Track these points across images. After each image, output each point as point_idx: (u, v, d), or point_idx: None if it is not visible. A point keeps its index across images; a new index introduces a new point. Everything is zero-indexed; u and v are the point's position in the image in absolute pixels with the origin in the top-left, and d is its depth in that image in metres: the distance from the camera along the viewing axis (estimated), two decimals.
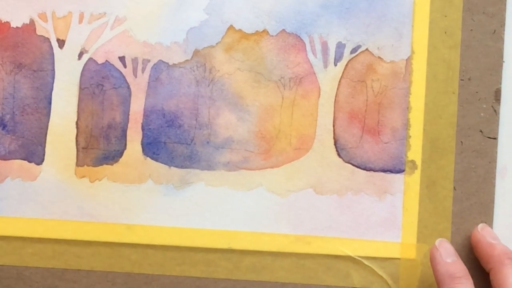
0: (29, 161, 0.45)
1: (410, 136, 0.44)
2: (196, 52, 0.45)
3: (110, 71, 0.45)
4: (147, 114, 0.45)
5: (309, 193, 0.44)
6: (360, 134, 0.44)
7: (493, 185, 0.44)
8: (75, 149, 0.45)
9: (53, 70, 0.45)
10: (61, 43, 0.45)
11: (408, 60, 0.44)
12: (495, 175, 0.44)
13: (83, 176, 0.45)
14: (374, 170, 0.44)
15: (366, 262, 0.44)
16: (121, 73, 0.45)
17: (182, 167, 0.44)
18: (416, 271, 0.44)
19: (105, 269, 0.45)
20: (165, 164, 0.44)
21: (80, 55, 0.45)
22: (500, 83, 0.44)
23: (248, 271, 0.45)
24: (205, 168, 0.44)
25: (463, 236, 0.44)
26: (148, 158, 0.45)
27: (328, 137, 0.44)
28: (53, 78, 0.45)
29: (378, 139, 0.44)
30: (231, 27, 0.44)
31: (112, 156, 0.45)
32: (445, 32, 0.44)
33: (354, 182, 0.44)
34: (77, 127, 0.45)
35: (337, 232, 0.44)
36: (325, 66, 0.44)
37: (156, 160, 0.45)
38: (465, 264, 0.41)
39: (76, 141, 0.45)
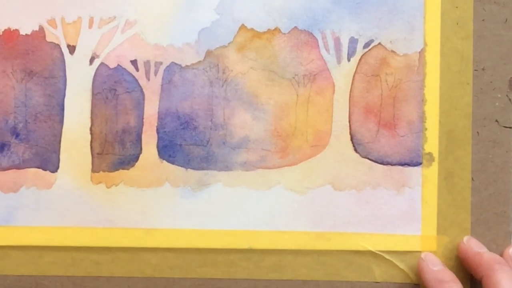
0: (44, 169, 0.44)
1: (426, 129, 0.44)
2: (208, 53, 0.44)
3: (123, 75, 0.44)
4: (161, 117, 0.44)
5: (327, 189, 0.44)
6: (376, 129, 0.44)
7: (511, 174, 0.44)
8: (90, 155, 0.44)
9: (65, 76, 0.44)
10: (71, 49, 0.44)
11: (421, 53, 0.44)
12: None
13: (99, 182, 0.44)
14: (392, 164, 0.44)
15: (387, 256, 0.44)
16: (133, 76, 0.44)
17: (198, 169, 0.44)
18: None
19: (125, 274, 0.44)
20: (181, 166, 0.44)
21: (91, 60, 0.44)
22: None
23: (269, 270, 0.44)
24: (222, 169, 0.44)
25: (483, 226, 0.44)
26: (164, 161, 0.44)
27: (344, 133, 0.44)
28: (65, 84, 0.44)
29: (394, 133, 0.44)
30: (242, 26, 0.44)
31: (128, 160, 0.44)
32: (457, 23, 0.44)
33: (372, 177, 0.44)
34: (91, 133, 0.44)
35: (357, 227, 0.44)
36: (339, 61, 0.44)
37: (173, 163, 0.44)
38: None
39: (91, 147, 0.44)
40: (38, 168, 0.44)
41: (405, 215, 0.44)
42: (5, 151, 0.44)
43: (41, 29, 0.44)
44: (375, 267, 0.44)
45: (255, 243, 0.44)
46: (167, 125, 0.44)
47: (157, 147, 0.44)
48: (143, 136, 0.44)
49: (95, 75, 0.44)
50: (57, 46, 0.44)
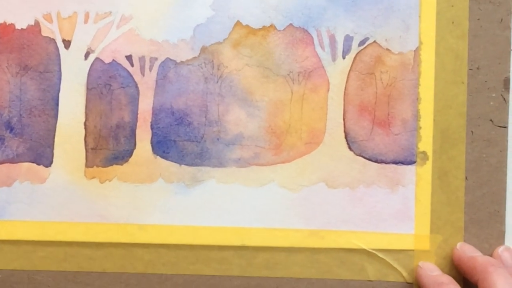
0: (38, 164, 0.44)
1: (420, 127, 0.44)
2: (203, 49, 0.44)
3: (117, 71, 0.44)
4: (156, 112, 0.44)
5: (321, 187, 0.44)
6: (370, 127, 0.44)
7: (505, 174, 0.44)
8: (84, 150, 0.44)
9: (60, 71, 0.44)
10: (67, 43, 0.44)
11: (416, 51, 0.44)
12: (506, 164, 0.44)
13: (93, 177, 0.44)
14: (386, 162, 0.44)
15: (380, 254, 0.44)
16: (128, 72, 0.44)
17: (192, 165, 0.44)
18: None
19: (118, 270, 0.44)
20: (175, 162, 0.44)
21: (86, 55, 0.44)
22: (509, 72, 0.44)
23: (262, 268, 0.44)
24: (216, 165, 0.44)
25: (476, 226, 0.44)
26: (158, 157, 0.44)
27: (338, 131, 0.44)
28: (60, 79, 0.44)
29: (388, 131, 0.44)
30: (238, 23, 0.44)
31: (122, 156, 0.44)
32: (453, 22, 0.44)
33: (366, 175, 0.44)
34: (85, 128, 0.44)
35: (350, 225, 0.44)
36: (334, 59, 0.44)
37: (166, 158, 0.44)
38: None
39: (85, 142, 0.44)
40: (32, 162, 0.44)
41: (398, 214, 0.44)
42: None
43: (37, 23, 0.44)
44: (368, 265, 0.44)
45: (248, 240, 0.44)
46: (161, 120, 0.44)
47: (151, 142, 0.44)
48: (137, 131, 0.44)
49: (90, 70, 0.44)
50: (53, 40, 0.44)
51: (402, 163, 0.44)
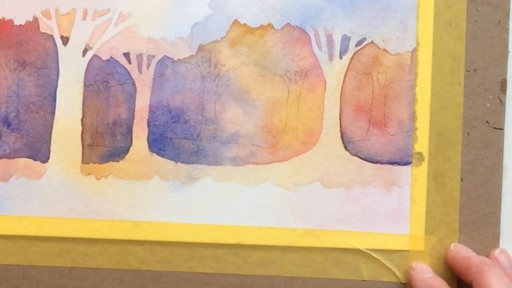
0: (35, 159, 0.44)
1: (416, 128, 0.44)
2: (201, 47, 0.44)
3: (115, 68, 0.44)
4: (152, 110, 0.44)
5: (316, 186, 0.44)
6: (366, 127, 0.44)
7: (501, 176, 0.44)
8: (81, 147, 0.44)
9: (57, 67, 0.44)
10: (65, 40, 0.45)
11: (414, 52, 0.44)
12: (502, 166, 0.44)
13: (89, 174, 0.44)
14: (381, 163, 0.44)
15: (374, 254, 0.44)
16: (126, 69, 0.44)
17: (188, 162, 0.44)
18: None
19: (112, 266, 0.44)
20: (171, 160, 0.44)
21: (84, 52, 0.45)
22: (506, 74, 0.44)
23: (256, 266, 0.44)
24: (212, 164, 0.44)
25: (471, 227, 0.44)
26: (154, 154, 0.44)
27: (334, 130, 0.44)
28: (58, 75, 0.45)
29: (384, 132, 0.44)
30: (235, 22, 0.44)
31: (118, 153, 0.44)
32: (450, 23, 0.44)
33: (361, 175, 0.44)
34: (82, 124, 0.44)
35: (345, 225, 0.44)
36: (331, 59, 0.44)
37: (163, 156, 0.44)
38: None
39: (82, 138, 0.44)
40: (29, 158, 0.45)
41: (393, 214, 0.44)
42: None
43: (35, 19, 0.45)
44: (363, 265, 0.44)
45: (243, 238, 0.44)
46: (158, 118, 0.44)
47: (148, 140, 0.44)
48: (133, 128, 0.44)
49: (87, 66, 0.45)
50: (51, 37, 0.45)
51: (398, 163, 0.44)
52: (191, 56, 0.44)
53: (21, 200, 0.44)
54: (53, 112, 0.44)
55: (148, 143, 0.44)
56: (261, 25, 0.44)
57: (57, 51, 0.45)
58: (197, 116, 0.44)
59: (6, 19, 0.45)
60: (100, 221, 0.44)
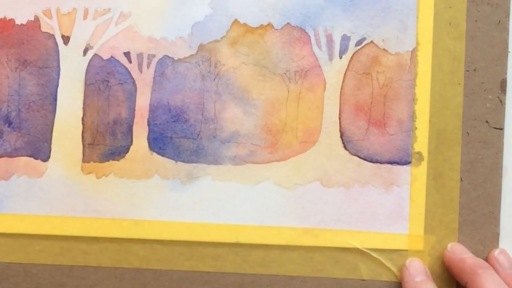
0: (35, 158, 0.45)
1: (416, 128, 0.44)
2: (201, 47, 0.44)
3: (116, 67, 0.45)
4: (153, 109, 0.45)
5: (316, 186, 0.44)
6: (366, 127, 0.44)
7: (500, 176, 0.44)
8: (81, 146, 0.45)
9: (58, 66, 0.45)
10: (66, 39, 0.45)
11: (413, 52, 0.44)
12: (502, 166, 0.44)
13: (90, 172, 0.45)
14: (381, 162, 0.44)
15: (374, 254, 0.44)
16: (126, 68, 0.45)
17: (188, 162, 0.44)
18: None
19: (113, 265, 0.45)
20: (171, 159, 0.44)
21: (85, 51, 0.45)
22: (506, 74, 0.44)
23: (256, 265, 0.44)
24: (211, 163, 0.44)
25: (470, 227, 0.44)
26: (154, 154, 0.44)
27: (334, 130, 0.44)
28: (59, 74, 0.45)
29: (384, 131, 0.44)
30: (235, 21, 0.44)
31: (119, 152, 0.45)
32: (450, 23, 0.44)
33: (361, 175, 0.44)
34: (83, 123, 0.45)
35: (345, 224, 0.44)
36: (330, 59, 0.44)
37: (163, 155, 0.44)
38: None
39: (82, 137, 0.45)
40: (30, 156, 0.45)
41: (393, 214, 0.44)
42: None
43: (36, 19, 0.45)
44: (362, 264, 0.44)
45: (243, 237, 0.44)
46: (158, 117, 0.45)
47: (148, 139, 0.45)
48: (134, 127, 0.45)
49: (88, 66, 0.45)
50: (52, 36, 0.45)
51: (397, 163, 0.44)
52: (191, 55, 0.45)
53: (22, 198, 0.45)
54: (54, 111, 0.45)
55: (148, 142, 0.45)
56: (261, 24, 0.44)
57: (58, 51, 0.45)
58: (197, 116, 0.45)
59: (7, 19, 0.45)
60: (100, 220, 0.44)
